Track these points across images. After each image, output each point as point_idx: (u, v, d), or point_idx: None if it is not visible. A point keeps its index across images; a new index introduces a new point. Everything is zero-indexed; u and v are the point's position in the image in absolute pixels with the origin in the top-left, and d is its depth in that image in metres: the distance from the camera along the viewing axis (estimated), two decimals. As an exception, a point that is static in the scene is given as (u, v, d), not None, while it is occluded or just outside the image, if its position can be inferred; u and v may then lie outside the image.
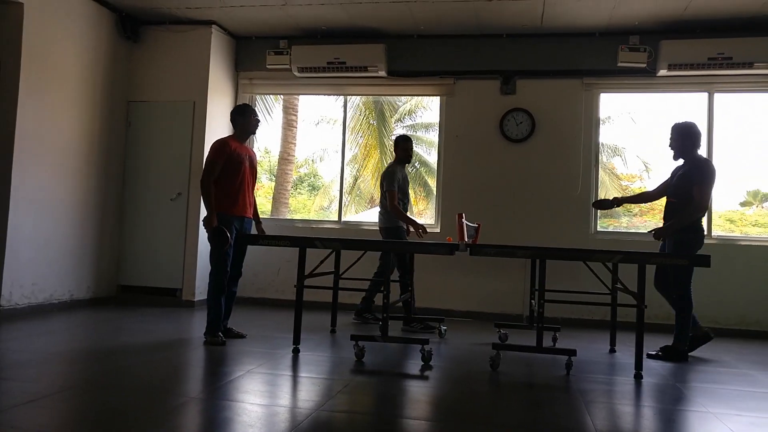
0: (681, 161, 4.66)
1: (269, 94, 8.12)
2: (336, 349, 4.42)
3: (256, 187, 4.84)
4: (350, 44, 6.46)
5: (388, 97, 11.44)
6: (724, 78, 6.04)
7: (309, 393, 3.25)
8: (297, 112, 10.99)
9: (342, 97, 7.42)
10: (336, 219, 7.11)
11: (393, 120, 14.10)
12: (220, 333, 4.46)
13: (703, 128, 6.16)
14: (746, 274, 5.86)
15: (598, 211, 6.29)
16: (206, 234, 4.43)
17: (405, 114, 14.28)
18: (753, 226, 12.56)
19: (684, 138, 4.58)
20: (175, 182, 6.40)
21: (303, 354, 4.13)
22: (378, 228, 5.65)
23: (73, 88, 5.80)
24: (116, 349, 4.09)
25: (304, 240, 4.22)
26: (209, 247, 4.45)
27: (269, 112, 9.16)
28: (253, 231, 4.81)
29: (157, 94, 6.51)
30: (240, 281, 6.70)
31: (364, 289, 5.52)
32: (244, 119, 4.66)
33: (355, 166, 13.47)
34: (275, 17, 6.27)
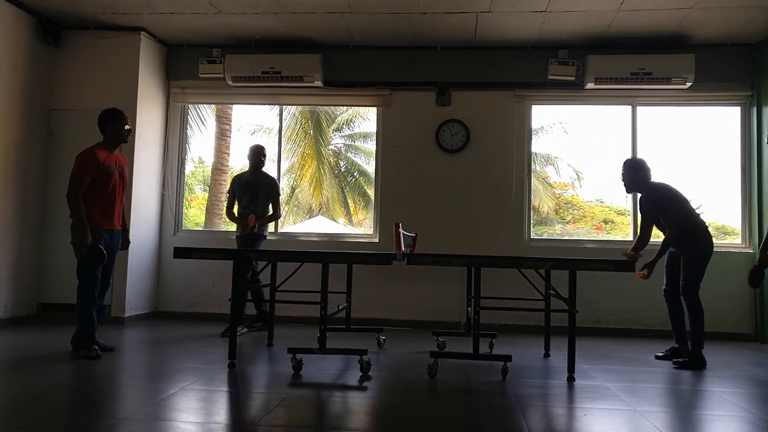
0: (634, 194, 4.87)
1: (202, 103, 7.94)
2: (273, 363, 4.34)
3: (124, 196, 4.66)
4: (286, 54, 6.41)
5: (325, 107, 11.42)
6: (645, 92, 6.36)
7: (245, 408, 3.17)
8: (231, 121, 10.80)
9: (278, 107, 7.34)
10: (272, 230, 7.00)
11: (331, 129, 14.07)
12: (95, 346, 4.31)
13: (627, 139, 6.50)
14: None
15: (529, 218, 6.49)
16: (79, 250, 4.23)
17: (343, 123, 14.29)
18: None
19: (636, 172, 4.80)
20: (102, 194, 6.12)
21: (239, 369, 4.03)
22: None
23: (-11, 95, 5.48)
24: (38, 370, 3.86)
25: (238, 252, 4.13)
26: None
27: (203, 121, 8.96)
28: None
29: (81, 103, 6.22)
30: (173, 296, 6.56)
31: (301, 302, 5.45)
32: (115, 126, 4.40)
33: (293, 175, 13.34)
34: (208, 25, 6.14)
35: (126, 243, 4.71)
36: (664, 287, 4.90)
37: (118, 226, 4.51)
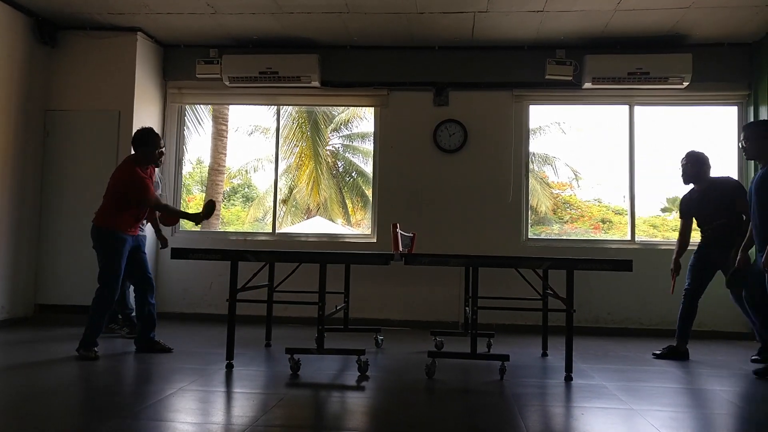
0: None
1: (199, 103, 7.95)
2: (271, 363, 4.33)
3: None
4: (283, 54, 6.40)
5: (323, 107, 11.41)
6: (642, 92, 6.37)
7: (243, 409, 3.17)
8: (227, 121, 10.80)
9: (275, 107, 7.34)
10: (270, 231, 6.99)
11: (328, 130, 14.07)
12: (95, 349, 4.32)
13: (624, 139, 6.50)
14: (667, 276, 6.16)
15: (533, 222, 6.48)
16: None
17: (341, 124, 14.28)
18: (674, 231, 13.28)
19: (700, 165, 4.86)
20: (99, 194, 6.08)
21: (237, 369, 4.03)
22: None
23: (-15, 95, 5.47)
24: (35, 371, 3.85)
25: (235, 253, 4.13)
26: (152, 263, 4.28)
27: (200, 122, 8.96)
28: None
29: (78, 103, 6.22)
30: (170, 297, 6.55)
31: (299, 302, 5.46)
32: (147, 150, 4.47)
33: (290, 176, 13.33)
34: (205, 25, 6.13)
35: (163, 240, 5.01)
36: (686, 287, 4.91)
37: (140, 231, 4.69)
